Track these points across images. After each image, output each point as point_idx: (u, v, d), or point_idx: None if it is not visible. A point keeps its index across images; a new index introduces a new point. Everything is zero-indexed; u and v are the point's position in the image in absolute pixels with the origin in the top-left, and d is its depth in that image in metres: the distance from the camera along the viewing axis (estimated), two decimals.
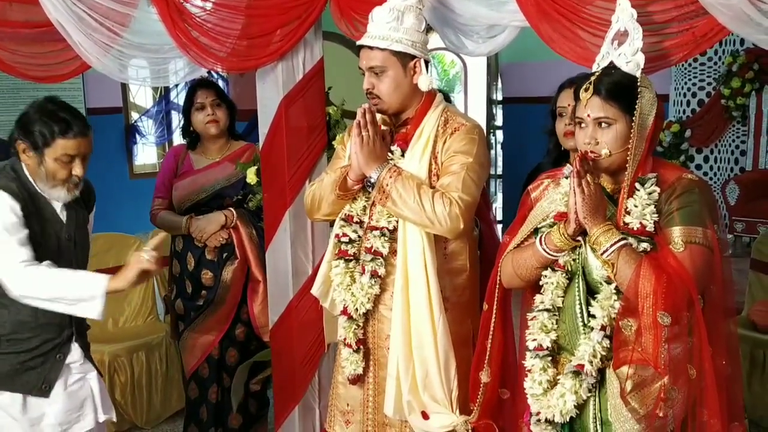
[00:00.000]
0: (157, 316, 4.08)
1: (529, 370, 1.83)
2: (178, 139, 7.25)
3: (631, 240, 1.68)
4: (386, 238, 2.19)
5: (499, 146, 7.63)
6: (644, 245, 1.68)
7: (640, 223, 1.69)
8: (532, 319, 1.85)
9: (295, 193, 2.79)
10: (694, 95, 6.42)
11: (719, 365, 1.70)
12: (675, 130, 6.34)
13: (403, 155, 2.20)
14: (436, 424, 2.12)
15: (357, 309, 2.22)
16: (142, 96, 7.58)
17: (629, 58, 1.74)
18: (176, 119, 7.51)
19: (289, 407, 2.97)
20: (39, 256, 2.12)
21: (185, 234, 3.09)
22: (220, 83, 5.18)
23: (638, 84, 1.70)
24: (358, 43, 2.21)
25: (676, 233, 1.66)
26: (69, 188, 2.17)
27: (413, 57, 2.15)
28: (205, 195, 3.09)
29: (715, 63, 6.31)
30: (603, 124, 1.71)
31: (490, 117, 7.46)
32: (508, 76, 7.28)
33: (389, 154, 2.21)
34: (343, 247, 2.27)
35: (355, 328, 2.26)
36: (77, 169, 2.14)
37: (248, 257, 3.09)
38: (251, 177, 3.01)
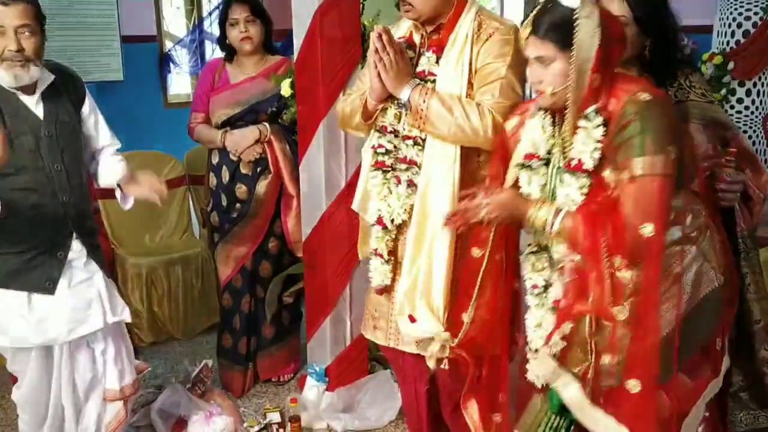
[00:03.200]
0: (192, 232, 4.18)
1: (529, 307, 1.88)
2: None
3: (557, 204, 1.70)
4: (420, 147, 2.18)
5: None
6: (582, 180, 1.67)
7: (579, 159, 1.68)
8: (523, 261, 1.90)
9: (330, 104, 2.79)
10: (739, 26, 6.16)
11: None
12: (717, 62, 6.13)
13: (437, 62, 2.17)
14: (420, 327, 2.14)
15: (393, 219, 2.23)
16: (176, 25, 7.55)
17: None
18: (210, 49, 7.47)
19: (320, 319, 3.04)
20: (15, 156, 2.10)
21: (221, 148, 3.12)
22: None
23: (575, 16, 1.62)
24: None
25: (632, 165, 1.61)
26: (9, 66, 2.06)
27: None
28: (240, 109, 3.10)
29: None
30: (543, 63, 1.69)
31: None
32: None
33: (422, 60, 2.18)
34: (380, 158, 2.26)
35: (387, 239, 2.27)
36: (9, 42, 2.05)
37: (281, 172, 3.12)
38: (286, 89, 3.01)
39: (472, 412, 2.12)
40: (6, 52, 2.06)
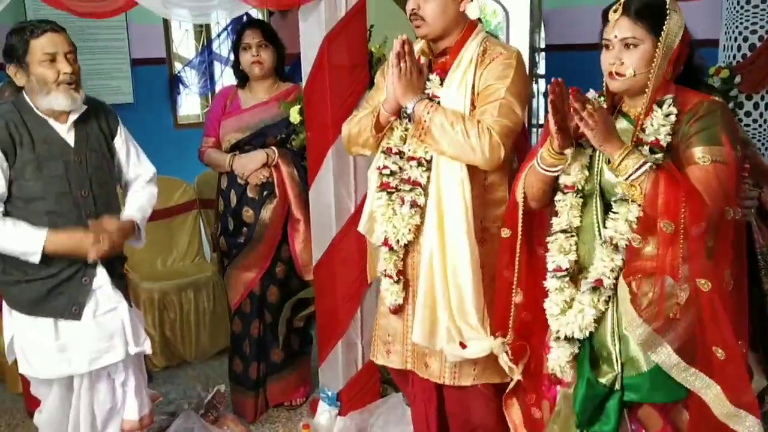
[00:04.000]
0: (204, 256, 4.21)
1: (548, 291, 1.89)
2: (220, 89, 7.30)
3: (648, 156, 1.70)
4: (424, 168, 2.21)
5: (541, 95, 7.51)
6: (657, 156, 1.70)
7: (655, 138, 1.72)
8: (551, 242, 1.90)
9: (338, 131, 2.79)
10: (745, 39, 6.17)
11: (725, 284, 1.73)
12: (724, 75, 6.13)
13: (441, 84, 2.20)
14: (474, 350, 2.15)
15: (398, 240, 2.25)
16: (185, 47, 7.63)
17: None
18: (219, 69, 7.54)
19: (331, 343, 3.05)
20: (43, 181, 2.19)
21: (229, 172, 3.15)
22: None
23: (667, 6, 1.71)
24: None
25: (699, 153, 1.69)
26: (65, 90, 2.20)
27: None
28: (249, 133, 3.13)
29: None
30: (630, 45, 1.73)
31: (533, 65, 7.33)
32: (552, 23, 7.13)
33: (427, 83, 2.21)
34: (384, 179, 2.29)
35: (395, 260, 2.29)
36: (63, 66, 2.19)
37: (288, 196, 3.14)
38: (294, 116, 3.04)
39: (513, 411, 2.15)
40: (62, 75, 2.20)
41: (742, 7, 6.18)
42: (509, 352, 2.05)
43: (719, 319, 1.67)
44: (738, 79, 6.14)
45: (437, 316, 2.20)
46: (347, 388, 3.06)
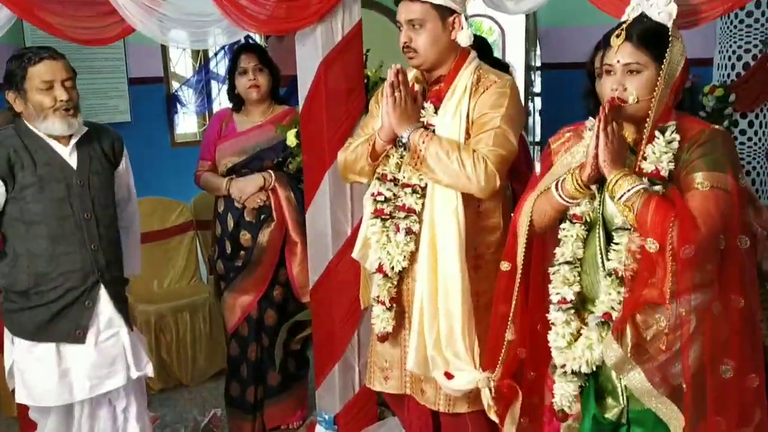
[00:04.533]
0: (200, 278, 4.20)
1: (552, 323, 1.85)
2: (217, 108, 7.32)
3: (645, 182, 1.69)
4: (418, 196, 2.21)
5: (537, 113, 7.55)
6: (657, 188, 1.69)
7: (655, 167, 1.70)
8: (554, 273, 1.86)
9: (334, 154, 2.79)
10: (739, 58, 6.21)
11: (734, 316, 1.70)
12: (719, 94, 6.17)
13: (436, 112, 2.21)
14: (459, 381, 2.14)
15: (393, 267, 2.25)
16: (183, 66, 7.66)
17: (661, 8, 1.73)
18: (216, 88, 7.57)
19: (328, 366, 3.04)
20: (44, 204, 2.21)
21: (226, 195, 3.16)
22: None
23: (669, 33, 1.71)
24: None
25: (699, 178, 1.67)
26: (62, 115, 2.22)
27: (452, 12, 2.15)
28: (246, 156, 3.14)
29: (762, 24, 6.10)
30: (633, 71, 1.72)
31: (529, 83, 7.38)
32: (547, 42, 7.17)
33: (422, 111, 2.22)
34: (379, 206, 2.29)
35: (389, 287, 2.29)
36: (59, 93, 2.20)
37: (285, 219, 3.15)
38: (291, 139, 3.05)
39: None
40: (58, 102, 2.21)
41: (735, 27, 6.22)
42: (492, 389, 2.02)
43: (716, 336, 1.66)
44: (732, 97, 6.18)
45: (426, 344, 2.19)
46: (344, 411, 3.05)
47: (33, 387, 2.27)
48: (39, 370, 2.26)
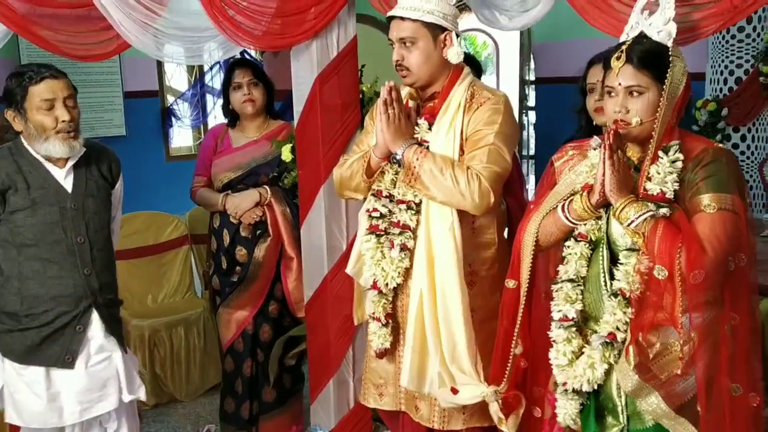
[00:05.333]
0: (195, 292, 4.19)
1: (554, 341, 1.84)
2: (213, 122, 7.35)
3: (651, 207, 1.68)
4: (413, 212, 2.21)
5: (531, 127, 7.59)
6: (663, 210, 1.68)
7: (661, 189, 1.70)
8: (557, 291, 1.86)
9: (330, 169, 2.82)
10: (731, 73, 6.27)
11: (741, 335, 1.70)
12: (711, 108, 6.21)
13: (430, 129, 2.22)
14: (465, 395, 2.13)
15: (387, 283, 2.24)
16: (178, 79, 7.68)
17: (660, 27, 1.73)
18: (211, 102, 7.59)
19: (323, 381, 3.03)
20: (37, 228, 2.17)
21: (222, 211, 3.16)
22: None
23: (670, 53, 1.70)
24: (390, 13, 2.21)
25: (705, 201, 1.66)
26: (63, 138, 2.18)
27: (444, 30, 2.16)
28: (241, 172, 3.14)
29: (754, 40, 6.16)
30: (634, 93, 1.71)
31: (523, 97, 7.42)
32: (541, 56, 7.22)
33: (416, 128, 2.23)
34: (374, 222, 2.29)
35: (384, 303, 2.29)
36: (61, 113, 2.16)
37: (281, 235, 3.15)
38: (286, 154, 3.05)
39: None
40: (60, 123, 2.17)
41: (727, 42, 6.28)
42: (500, 401, 2.02)
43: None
44: (725, 111, 6.23)
45: (427, 361, 2.19)
46: (339, 426, 3.03)
47: (22, 409, 2.24)
48: (28, 393, 2.23)
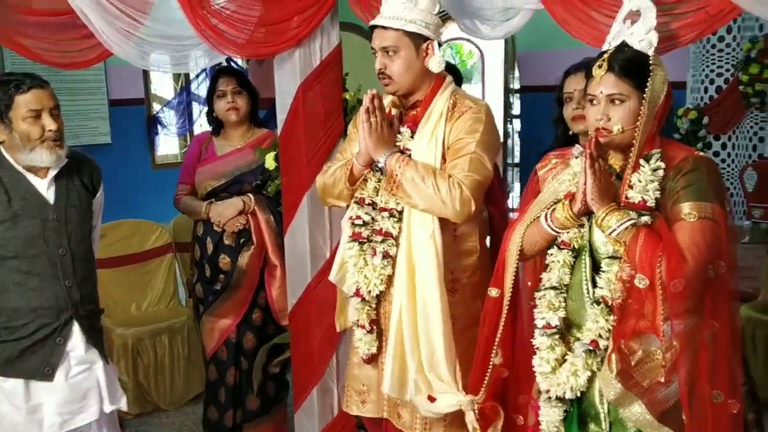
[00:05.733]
0: (179, 301, 4.17)
1: (537, 348, 1.85)
2: (199, 129, 7.33)
3: (633, 215, 1.69)
4: (395, 219, 2.22)
5: (516, 135, 7.64)
6: (645, 218, 1.70)
7: (642, 197, 1.71)
8: (540, 298, 1.87)
9: (313, 177, 2.82)
10: (712, 82, 6.37)
11: (721, 342, 1.72)
12: (693, 117, 6.30)
13: (412, 137, 2.23)
14: (443, 404, 2.13)
15: (370, 291, 2.25)
16: (164, 87, 7.67)
17: (642, 36, 1.75)
18: (197, 110, 7.57)
19: (307, 389, 3.02)
20: (18, 240, 2.14)
21: (206, 219, 3.15)
22: None
23: (651, 62, 1.72)
24: (372, 22, 2.23)
25: (686, 209, 1.68)
26: (50, 147, 2.16)
27: (426, 39, 2.18)
28: (225, 180, 3.15)
29: (733, 49, 6.26)
30: (616, 101, 1.73)
31: (508, 106, 7.47)
32: (526, 65, 7.28)
33: (398, 136, 2.24)
34: (356, 229, 2.30)
35: (368, 310, 2.29)
36: (48, 122, 2.14)
37: (265, 243, 3.15)
38: (270, 162, 3.06)
39: None
40: (47, 132, 2.15)
41: (708, 51, 6.37)
42: (476, 411, 2.02)
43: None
44: (706, 120, 6.31)
45: (407, 368, 2.19)
46: None
47: (1, 421, 2.19)
48: (7, 405, 2.19)
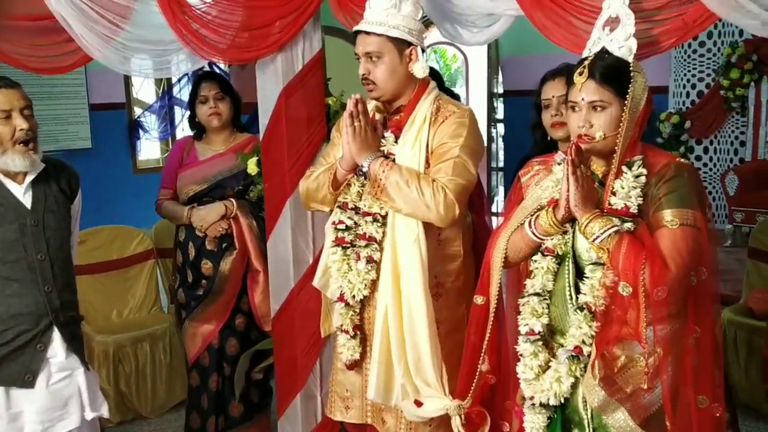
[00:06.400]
0: (161, 307, 4.13)
1: (521, 355, 1.85)
2: (181, 134, 7.30)
3: (616, 221, 1.70)
4: (379, 224, 2.22)
5: (500, 139, 7.66)
6: (627, 225, 1.70)
7: (625, 204, 1.72)
8: (523, 305, 1.87)
9: (295, 183, 2.81)
10: (693, 86, 6.43)
11: (704, 346, 1.73)
12: (675, 121, 6.35)
13: (396, 141, 2.23)
14: (429, 408, 2.13)
15: (354, 296, 2.24)
16: (145, 92, 7.62)
17: (621, 43, 1.75)
18: (179, 114, 7.54)
19: (290, 395, 3.00)
20: None
21: (187, 224, 3.13)
22: None
23: (631, 69, 1.72)
24: (355, 28, 2.23)
25: (668, 216, 1.68)
26: (22, 151, 2.13)
27: (409, 44, 2.18)
28: (207, 185, 3.13)
29: (714, 54, 6.32)
30: (597, 108, 1.73)
31: (491, 110, 7.50)
32: (509, 70, 7.32)
33: (382, 140, 2.24)
34: (340, 234, 2.29)
35: (352, 315, 2.28)
36: (19, 122, 2.11)
37: (247, 248, 3.13)
38: (252, 167, 3.04)
39: None
40: (18, 132, 2.11)
41: (689, 56, 6.43)
42: (463, 416, 2.02)
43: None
44: (688, 124, 6.36)
45: (392, 373, 2.18)
46: None
47: None
48: None
